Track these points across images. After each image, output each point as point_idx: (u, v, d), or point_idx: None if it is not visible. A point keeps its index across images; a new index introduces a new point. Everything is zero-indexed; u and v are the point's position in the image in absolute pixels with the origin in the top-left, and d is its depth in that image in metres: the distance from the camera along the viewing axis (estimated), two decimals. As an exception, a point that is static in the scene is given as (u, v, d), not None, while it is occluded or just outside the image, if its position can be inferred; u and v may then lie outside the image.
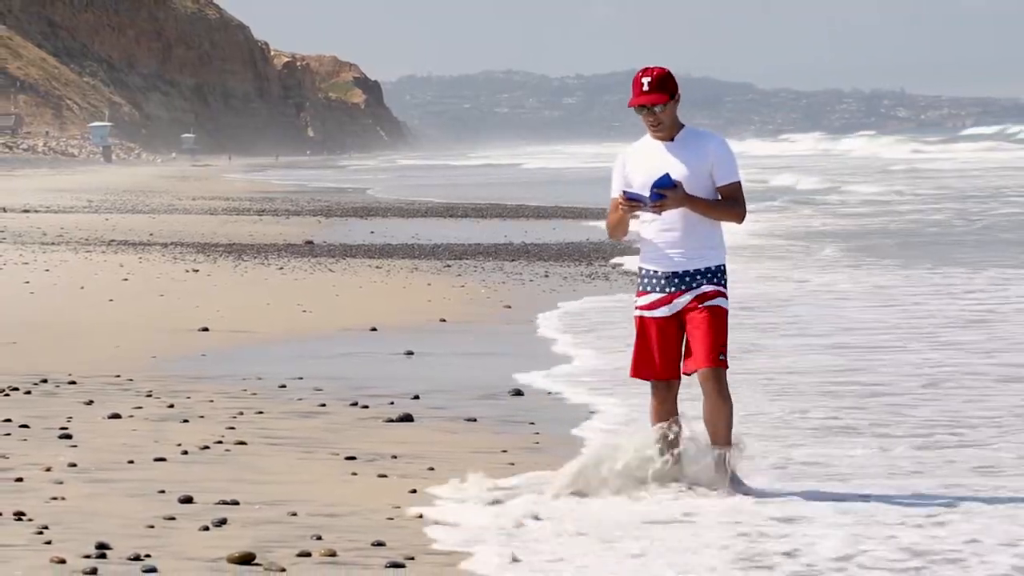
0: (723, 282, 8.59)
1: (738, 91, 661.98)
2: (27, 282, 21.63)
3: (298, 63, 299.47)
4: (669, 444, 8.52)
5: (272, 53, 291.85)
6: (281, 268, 25.03)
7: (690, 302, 8.53)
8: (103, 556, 7.42)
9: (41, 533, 7.86)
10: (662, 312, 8.58)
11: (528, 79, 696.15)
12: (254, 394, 12.69)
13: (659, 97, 8.55)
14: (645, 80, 8.58)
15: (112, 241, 31.24)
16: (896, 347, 15.16)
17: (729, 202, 8.60)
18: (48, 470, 9.46)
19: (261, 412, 11.80)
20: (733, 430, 8.53)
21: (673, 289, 8.56)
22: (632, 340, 8.71)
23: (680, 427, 8.58)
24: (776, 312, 18.29)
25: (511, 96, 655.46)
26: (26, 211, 43.78)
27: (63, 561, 7.30)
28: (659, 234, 8.58)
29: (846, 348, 15.15)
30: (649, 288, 8.63)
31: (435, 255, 28.10)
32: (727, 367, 8.53)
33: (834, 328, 16.67)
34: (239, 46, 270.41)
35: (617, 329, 16.04)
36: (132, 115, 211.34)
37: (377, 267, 25.30)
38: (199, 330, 16.76)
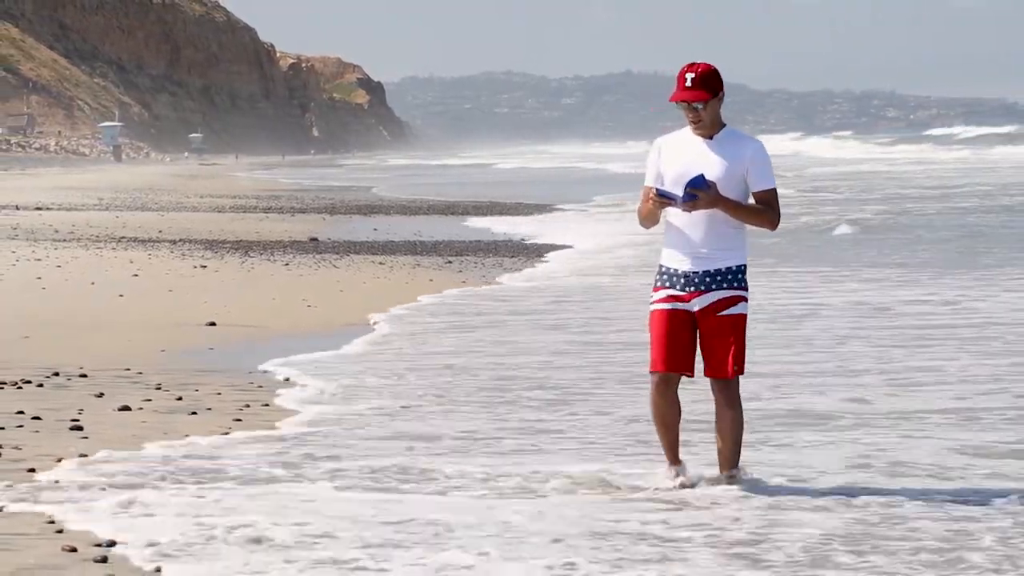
0: (743, 283, 8.35)
1: (733, 91, 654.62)
2: (39, 278, 21.65)
3: (303, 64, 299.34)
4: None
5: (278, 55, 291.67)
6: (287, 264, 25.05)
7: (708, 306, 8.32)
8: (112, 544, 7.45)
9: (53, 523, 7.90)
10: (677, 306, 8.34)
11: (527, 80, 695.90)
12: (260, 387, 12.71)
13: (701, 95, 8.26)
14: (689, 76, 8.29)
15: (122, 238, 31.26)
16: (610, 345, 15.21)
17: (763, 207, 8.36)
18: (59, 461, 9.48)
19: (267, 404, 11.85)
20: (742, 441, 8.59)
21: (692, 289, 8.32)
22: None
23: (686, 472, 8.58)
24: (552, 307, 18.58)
25: (511, 97, 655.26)
26: (39, 209, 43.79)
27: (74, 550, 7.32)
28: (684, 229, 8.34)
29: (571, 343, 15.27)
30: (668, 284, 8.38)
31: (436, 251, 28.11)
32: (743, 373, 8.40)
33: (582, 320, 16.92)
34: (245, 48, 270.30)
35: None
36: (141, 115, 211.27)
37: (380, 263, 25.31)
38: (207, 325, 16.78)
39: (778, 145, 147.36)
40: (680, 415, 8.50)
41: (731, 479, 8.43)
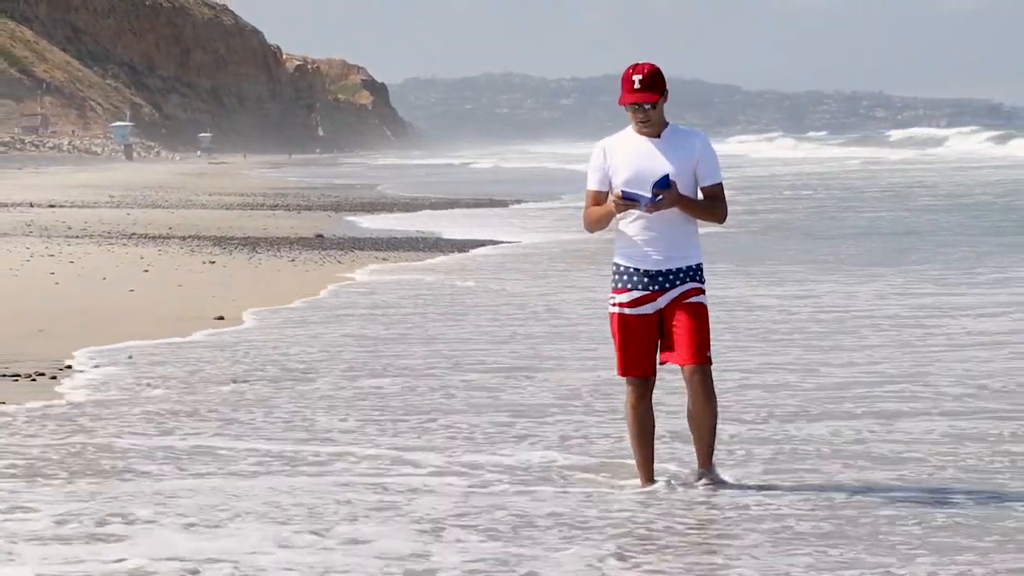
0: (702, 279, 8.14)
1: (726, 92, 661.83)
2: (52, 273, 21.64)
3: (309, 66, 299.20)
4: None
5: (284, 56, 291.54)
6: (293, 260, 25.03)
7: (673, 300, 8.05)
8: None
9: (65, 510, 7.93)
10: (645, 309, 8.08)
11: (527, 81, 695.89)
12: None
13: (650, 96, 8.01)
14: (636, 78, 8.03)
15: (133, 234, 31.23)
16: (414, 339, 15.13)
17: (714, 202, 8.11)
18: (72, 451, 9.51)
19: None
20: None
21: (656, 287, 8.04)
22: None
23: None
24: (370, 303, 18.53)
25: (511, 97, 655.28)
26: (52, 206, 43.78)
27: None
28: (641, 232, 8.06)
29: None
30: (630, 285, 8.09)
31: (439, 248, 28.09)
32: (712, 363, 8.11)
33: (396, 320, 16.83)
34: (253, 50, 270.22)
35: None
36: (152, 115, 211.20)
37: (383, 259, 25.30)
38: (215, 319, 16.78)
39: (730, 147, 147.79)
40: (655, 425, 8.26)
41: (708, 478, 8.25)
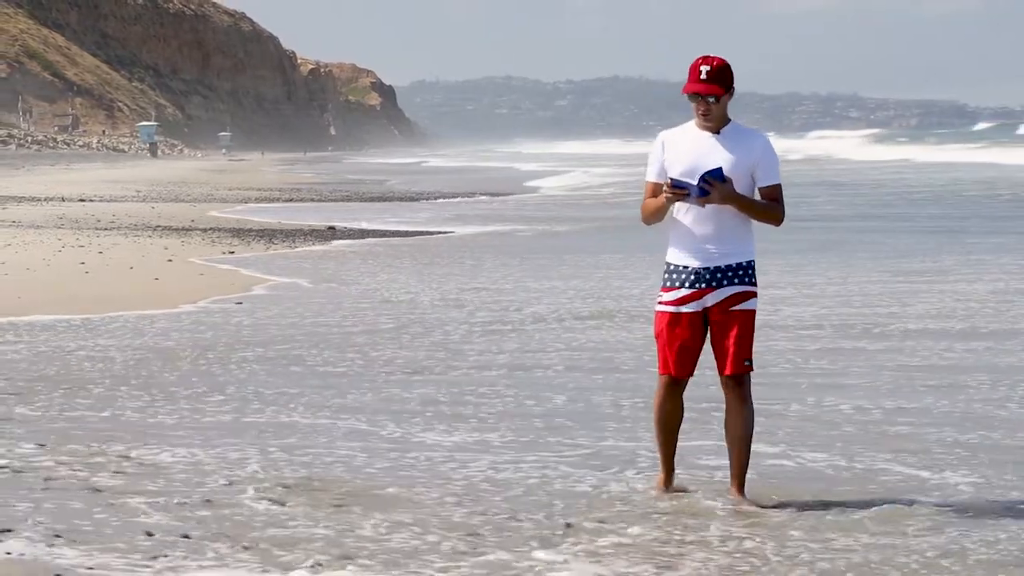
0: (753, 279, 7.35)
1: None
2: (82, 263, 21.65)
3: (322, 70, 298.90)
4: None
5: (299, 61, 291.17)
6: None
7: (720, 301, 7.32)
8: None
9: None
10: (690, 308, 7.34)
11: (525, 84, 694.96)
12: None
13: (715, 88, 7.25)
14: (704, 68, 7.27)
15: (158, 227, 31.23)
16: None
17: (771, 203, 7.33)
18: (101, 427, 9.52)
19: None
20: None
21: (704, 285, 7.31)
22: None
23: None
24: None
25: (510, 99, 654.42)
26: (82, 200, 43.76)
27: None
28: (693, 226, 7.32)
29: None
30: (678, 283, 7.36)
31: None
32: (752, 370, 7.35)
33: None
34: (270, 55, 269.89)
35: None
36: (175, 116, 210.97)
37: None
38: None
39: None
40: (682, 420, 7.54)
41: (739, 501, 7.40)
